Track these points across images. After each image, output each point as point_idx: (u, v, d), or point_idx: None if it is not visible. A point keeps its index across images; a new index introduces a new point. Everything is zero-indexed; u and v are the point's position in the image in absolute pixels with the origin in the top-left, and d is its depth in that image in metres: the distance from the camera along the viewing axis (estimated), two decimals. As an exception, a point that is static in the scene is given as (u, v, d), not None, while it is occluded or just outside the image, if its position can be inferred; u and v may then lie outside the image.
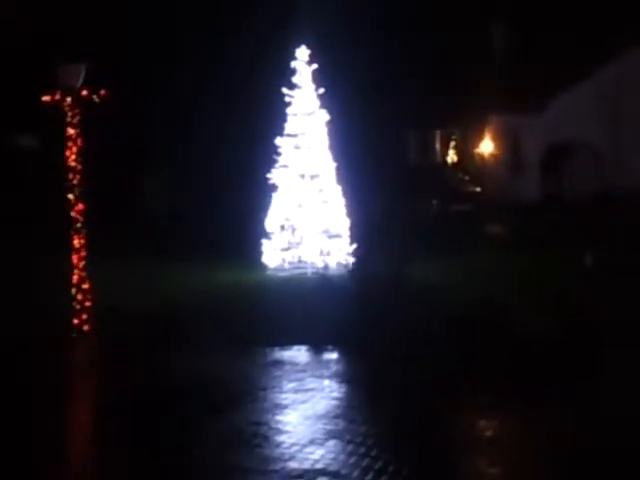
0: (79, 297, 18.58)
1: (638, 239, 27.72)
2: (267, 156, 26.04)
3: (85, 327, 18.28)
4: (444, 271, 25.44)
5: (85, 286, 18.55)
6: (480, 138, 39.12)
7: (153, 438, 12.28)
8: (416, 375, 15.12)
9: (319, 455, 10.65)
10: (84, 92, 18.45)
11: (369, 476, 9.78)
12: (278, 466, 10.31)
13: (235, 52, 27.36)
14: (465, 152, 40.69)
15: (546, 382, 14.18)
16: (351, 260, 24.57)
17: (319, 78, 25.79)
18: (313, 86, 26.19)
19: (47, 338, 17.95)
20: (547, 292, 21.75)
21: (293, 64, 26.02)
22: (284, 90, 25.79)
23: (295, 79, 26.01)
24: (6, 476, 10.57)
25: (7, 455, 11.18)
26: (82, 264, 18.69)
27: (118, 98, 20.31)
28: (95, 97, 18.68)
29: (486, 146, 39.73)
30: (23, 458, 11.50)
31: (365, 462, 10.30)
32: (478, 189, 37.43)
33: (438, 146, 41.97)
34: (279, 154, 26.13)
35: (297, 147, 26.34)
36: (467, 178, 39.92)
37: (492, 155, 38.80)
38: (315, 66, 26.20)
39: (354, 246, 24.93)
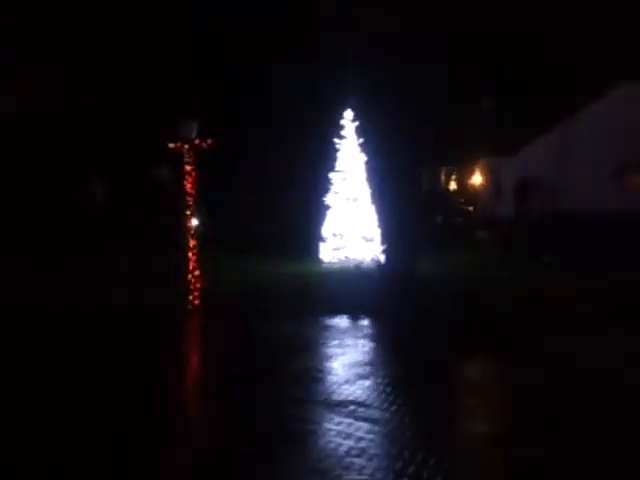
0: (192, 281, 20.89)
1: (580, 245, 29.15)
2: (324, 185, 28.25)
3: (196, 302, 20.60)
4: (446, 264, 27.46)
5: (196, 274, 20.83)
6: (472, 173, 42.16)
7: (241, 373, 14.38)
8: (422, 336, 17.36)
9: (351, 391, 12.49)
10: (197, 141, 21.01)
11: (386, 405, 11.80)
12: (322, 398, 12.17)
13: (307, 115, 29.32)
14: (462, 183, 43.61)
15: (501, 337, 16.51)
16: (381, 257, 26.72)
17: (360, 131, 27.86)
18: (355, 137, 28.43)
19: (174, 308, 20.46)
20: (513, 280, 24.63)
21: (342, 122, 28.37)
22: (335, 140, 28.15)
23: (343, 132, 28.40)
24: (149, 393, 13.13)
25: (154, 372, 14.21)
26: (195, 259, 20.90)
27: (220, 144, 21.88)
28: (204, 144, 21.14)
29: (476, 179, 43.16)
30: (163, 374, 14.47)
31: (383, 396, 12.31)
32: (471, 208, 39.63)
33: (443, 178, 45.39)
34: (332, 184, 28.40)
35: (344, 179, 28.45)
36: (463, 201, 42.43)
37: (480, 185, 41.75)
38: (357, 123, 28.28)
39: (383, 248, 26.69)
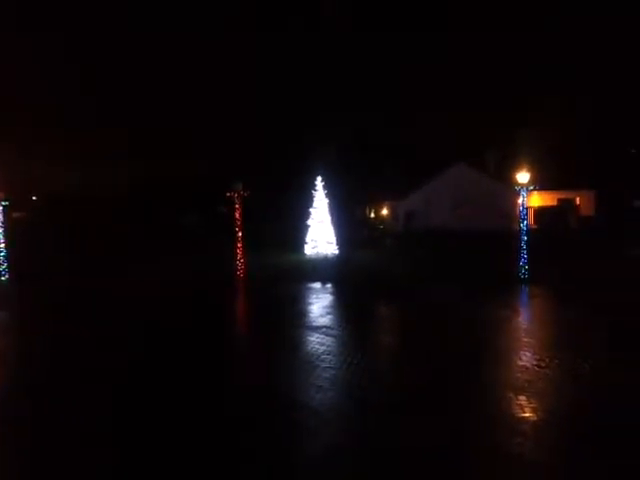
0: (239, 265, 23.58)
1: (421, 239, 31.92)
2: (306, 213, 30.69)
3: (241, 275, 23.09)
4: (367, 257, 29.11)
5: (241, 260, 23.54)
6: (382, 208, 46.64)
7: (264, 309, 16.90)
8: (356, 293, 19.32)
9: (323, 320, 14.53)
10: (241, 192, 24.24)
11: (341, 327, 13.91)
12: (307, 324, 14.09)
13: (299, 179, 33.75)
14: (377, 213, 47.72)
15: (393, 293, 18.38)
16: (336, 252, 29.64)
17: (325, 187, 30.96)
18: (322, 190, 31.07)
19: (231, 278, 22.89)
20: (400, 265, 25.47)
21: (316, 182, 31.01)
22: (313, 191, 30.83)
23: (316, 187, 31.02)
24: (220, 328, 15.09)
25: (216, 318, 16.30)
26: (240, 253, 23.57)
27: (257, 193, 25.61)
28: (245, 194, 24.44)
29: (384, 211, 47.43)
30: (231, 305, 17.53)
31: (339, 323, 14.55)
32: (382, 227, 44.05)
33: (367, 210, 49.88)
34: (310, 213, 30.89)
35: (316, 210, 30.95)
36: (377, 223, 46.43)
37: (387, 214, 46.42)
38: (323, 183, 30.92)
39: (337, 247, 29.98)
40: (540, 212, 43.42)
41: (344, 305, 17.39)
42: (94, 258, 29.90)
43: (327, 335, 12.30)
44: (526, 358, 10.26)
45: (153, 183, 44.59)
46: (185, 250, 30.85)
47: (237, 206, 23.92)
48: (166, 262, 27.80)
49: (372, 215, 50.59)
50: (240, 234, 23.86)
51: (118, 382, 9.76)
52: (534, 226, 37.90)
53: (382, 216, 48.77)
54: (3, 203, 25.37)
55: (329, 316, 14.86)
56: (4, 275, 25.08)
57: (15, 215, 30.89)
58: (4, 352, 12.48)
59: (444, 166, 45.17)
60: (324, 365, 9.91)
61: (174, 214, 39.83)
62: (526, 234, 19.62)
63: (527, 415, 7.54)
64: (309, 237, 30.43)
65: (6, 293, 22.29)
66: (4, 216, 25.34)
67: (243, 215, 24.08)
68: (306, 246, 30.28)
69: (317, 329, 12.88)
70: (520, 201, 20.26)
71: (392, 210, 47.66)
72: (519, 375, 9.19)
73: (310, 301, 17.49)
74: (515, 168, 20.75)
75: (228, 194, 24.17)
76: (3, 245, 25.05)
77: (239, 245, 23.66)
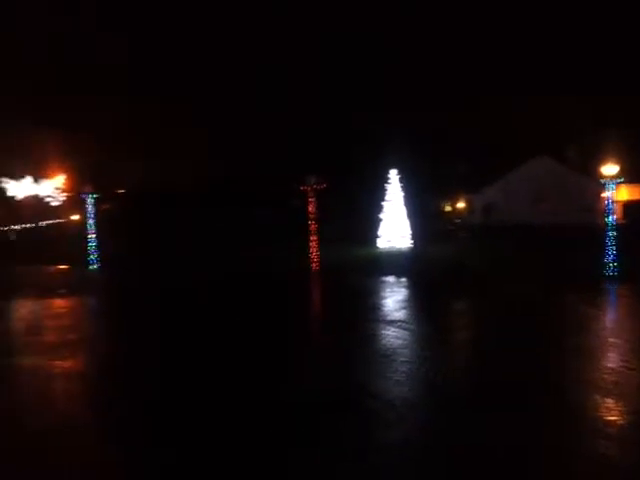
0: (313, 257, 23.90)
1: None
2: (381, 207, 30.37)
3: (315, 267, 23.49)
4: (443, 250, 28.19)
5: (315, 253, 23.97)
6: (458, 201, 46.37)
7: (339, 301, 16.88)
8: (435, 286, 19.03)
9: (398, 314, 14.52)
10: (316, 185, 24.39)
11: (416, 322, 14.01)
12: (381, 318, 14.07)
13: (374, 171, 32.50)
14: (453, 207, 47.14)
15: (473, 287, 17.77)
16: (411, 246, 29.27)
17: (400, 180, 30.61)
18: (397, 183, 30.68)
19: (305, 269, 23.33)
20: (479, 258, 24.34)
21: (390, 174, 30.61)
22: (386, 184, 30.43)
23: (390, 180, 30.60)
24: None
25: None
26: (314, 245, 24.00)
27: (328, 187, 25.24)
28: (319, 187, 24.62)
29: (460, 204, 46.78)
30: (309, 293, 17.56)
31: (414, 317, 14.70)
32: (458, 220, 43.09)
33: (443, 204, 48.78)
34: (384, 207, 30.45)
35: (389, 202, 30.55)
36: (454, 216, 45.60)
37: (463, 208, 45.90)
38: (398, 176, 30.63)
39: (411, 241, 29.58)
40: (629, 206, 41.11)
41: (419, 299, 17.38)
42: (176, 250, 31.04)
43: (402, 329, 12.24)
44: (613, 359, 9.86)
45: (230, 178, 45.95)
46: (260, 243, 31.58)
47: (311, 200, 24.28)
48: (242, 255, 28.29)
49: (448, 208, 49.56)
50: (314, 227, 24.17)
51: (203, 363, 10.24)
52: (622, 221, 35.95)
53: (458, 209, 48.04)
54: (93, 196, 27.02)
55: (404, 310, 14.91)
56: (94, 263, 26.62)
57: (103, 207, 32.82)
58: (95, 336, 13.30)
59: (524, 158, 43.78)
60: (401, 359, 9.93)
61: (249, 208, 40.25)
62: (613, 229, 18.72)
63: (614, 418, 7.24)
64: (382, 231, 30.36)
65: (96, 280, 23.77)
66: (94, 208, 26.95)
67: (317, 208, 24.38)
68: (379, 240, 30.18)
69: (392, 323, 12.82)
70: (607, 194, 19.39)
71: (469, 203, 47.03)
72: (606, 376, 8.86)
73: (384, 295, 17.54)
74: (601, 160, 19.82)
75: (302, 188, 24.51)
76: (94, 235, 26.54)
77: (313, 238, 23.96)
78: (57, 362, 10.01)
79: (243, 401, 8.04)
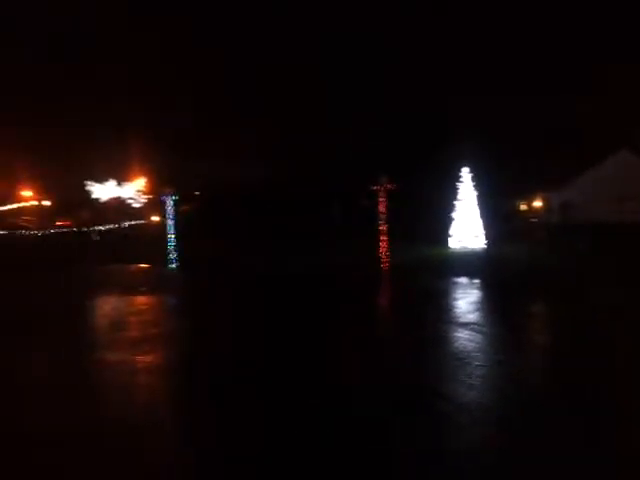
0: (383, 256, 24.38)
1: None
2: (452, 206, 30.23)
3: (385, 268, 23.89)
4: (518, 251, 27.63)
5: (385, 252, 24.40)
6: (534, 200, 44.82)
7: (409, 299, 16.71)
8: (510, 288, 18.72)
9: (471, 316, 14.29)
10: (387, 185, 24.80)
11: (489, 324, 13.68)
12: (454, 320, 13.90)
13: (444, 171, 32.06)
14: (528, 205, 45.55)
15: (547, 288, 17.14)
16: (484, 246, 29.04)
17: (473, 179, 30.33)
18: (470, 182, 30.46)
19: (374, 268, 23.68)
20: (558, 260, 23.69)
21: (462, 173, 30.40)
22: (458, 183, 30.28)
23: (462, 179, 30.45)
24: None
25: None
26: (384, 244, 24.52)
27: (398, 187, 25.36)
28: (390, 187, 24.91)
29: (536, 203, 45.11)
30: (376, 290, 17.50)
31: (487, 319, 14.44)
32: (534, 219, 41.81)
33: (518, 202, 47.18)
34: (456, 206, 30.42)
35: (461, 201, 30.37)
36: (529, 215, 44.33)
37: (540, 206, 44.50)
38: (469, 174, 30.37)
39: (485, 241, 29.18)
40: None
41: (493, 301, 17.04)
42: (251, 248, 32.06)
43: (476, 332, 12.07)
44: None
45: (302, 178, 46.51)
46: (330, 243, 32.03)
47: (381, 199, 24.59)
48: (313, 254, 29.08)
49: (524, 207, 48.60)
50: (384, 227, 24.50)
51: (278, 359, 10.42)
52: None
53: (535, 208, 46.86)
54: (173, 198, 28.23)
55: (477, 312, 14.64)
56: (174, 263, 27.78)
57: (182, 209, 34.06)
58: (175, 331, 13.85)
59: (605, 154, 41.41)
60: (475, 363, 9.78)
61: (320, 208, 40.64)
62: None
63: None
64: (454, 230, 30.22)
65: (175, 278, 24.81)
66: (174, 209, 28.17)
67: (388, 208, 24.62)
68: (451, 239, 30.09)
69: (465, 325, 12.67)
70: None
71: (546, 201, 45.70)
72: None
73: (456, 296, 17.34)
74: None
75: (373, 187, 24.80)
76: (173, 235, 27.73)
77: (383, 238, 24.34)
78: (140, 357, 10.61)
79: (316, 400, 8.18)
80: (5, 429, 7.53)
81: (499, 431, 7.07)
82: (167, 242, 27.32)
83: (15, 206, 54.18)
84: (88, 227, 44.96)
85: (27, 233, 43.69)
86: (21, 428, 7.50)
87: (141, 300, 18.24)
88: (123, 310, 16.59)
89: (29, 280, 24.56)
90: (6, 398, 8.84)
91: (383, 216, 24.68)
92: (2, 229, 43.39)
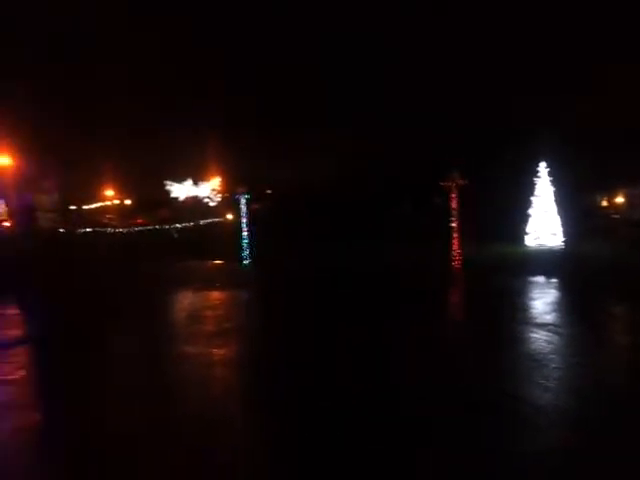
0: (455, 254, 24.03)
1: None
2: (528, 202, 28.93)
3: (457, 265, 23.53)
4: (599, 248, 26.20)
5: (457, 251, 24.07)
6: (616, 195, 42.69)
7: (485, 299, 16.17)
8: (589, 288, 17.81)
9: (548, 317, 13.94)
10: (459, 182, 24.32)
11: (567, 325, 13.27)
12: (530, 321, 13.53)
13: (521, 166, 30.65)
14: (610, 201, 43.57)
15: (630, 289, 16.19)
16: (562, 244, 27.74)
17: (550, 174, 29.07)
18: (547, 177, 29.22)
19: (447, 267, 23.41)
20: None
21: (539, 168, 29.24)
22: (535, 178, 29.07)
23: (539, 174, 29.28)
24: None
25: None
26: (456, 243, 24.16)
27: (470, 183, 24.82)
28: (461, 183, 24.43)
29: (619, 199, 42.26)
30: (445, 290, 17.38)
31: (566, 320, 13.80)
32: (616, 216, 39.79)
33: (599, 198, 44.81)
34: (532, 202, 29.19)
35: (538, 198, 29.14)
36: (610, 211, 42.44)
37: (622, 202, 42.56)
38: (548, 169, 29.14)
39: (563, 239, 27.93)
40: None
41: (572, 302, 16.58)
42: (323, 247, 31.66)
43: (553, 333, 11.78)
44: None
45: (371, 176, 46.26)
46: (401, 241, 31.06)
47: (453, 196, 24.19)
48: (384, 250, 28.75)
49: (604, 203, 45.80)
50: (456, 224, 24.03)
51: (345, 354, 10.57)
52: None
53: (616, 204, 44.31)
54: (246, 196, 28.77)
55: (555, 313, 14.31)
56: (247, 259, 28.34)
57: (254, 207, 34.99)
58: (248, 325, 14.36)
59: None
60: (552, 365, 9.58)
61: (390, 205, 40.40)
62: None
63: None
64: (531, 228, 29.04)
65: (248, 275, 25.22)
66: (247, 208, 28.73)
67: (460, 205, 24.12)
68: (527, 237, 28.98)
69: (542, 326, 12.36)
70: None
71: (628, 197, 43.14)
72: None
73: (533, 296, 16.94)
74: None
75: (444, 184, 24.42)
76: (246, 233, 28.30)
77: (455, 235, 23.93)
78: (215, 350, 10.95)
79: (390, 399, 8.25)
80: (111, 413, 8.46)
81: (575, 432, 6.99)
82: (241, 239, 27.94)
83: (99, 205, 57.27)
84: (167, 225, 46.72)
85: (112, 231, 45.83)
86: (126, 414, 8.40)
87: (216, 295, 18.80)
88: (199, 304, 17.23)
89: (132, 272, 25.98)
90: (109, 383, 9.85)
91: (455, 213, 24.23)
92: (89, 226, 45.67)
